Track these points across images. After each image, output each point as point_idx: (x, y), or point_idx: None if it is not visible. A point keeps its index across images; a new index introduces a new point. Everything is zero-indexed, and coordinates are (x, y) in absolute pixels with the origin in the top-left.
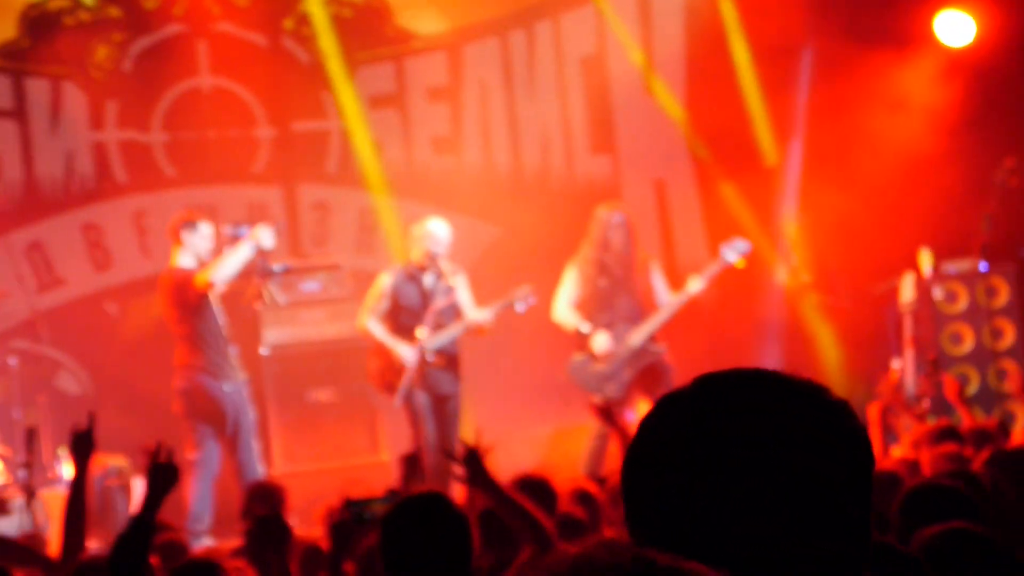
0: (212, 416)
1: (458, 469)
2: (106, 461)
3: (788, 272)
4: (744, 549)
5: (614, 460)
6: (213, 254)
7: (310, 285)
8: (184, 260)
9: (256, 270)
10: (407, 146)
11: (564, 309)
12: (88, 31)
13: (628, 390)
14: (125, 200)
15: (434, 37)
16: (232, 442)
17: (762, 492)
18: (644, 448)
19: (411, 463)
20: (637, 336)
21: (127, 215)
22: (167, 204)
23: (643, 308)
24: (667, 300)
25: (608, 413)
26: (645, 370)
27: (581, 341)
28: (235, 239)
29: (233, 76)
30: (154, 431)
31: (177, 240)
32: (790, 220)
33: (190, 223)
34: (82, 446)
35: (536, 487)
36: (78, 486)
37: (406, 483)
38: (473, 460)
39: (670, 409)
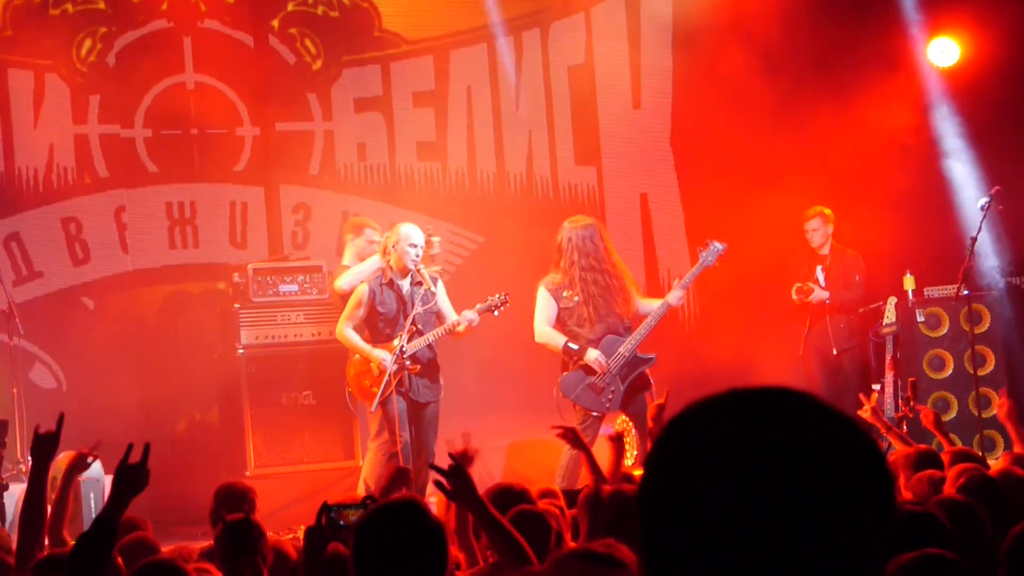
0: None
1: (443, 481)
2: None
3: (797, 290)
4: None
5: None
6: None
7: (288, 286)
8: (347, 259)
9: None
10: (391, 150)
11: (545, 330)
12: (73, 23)
13: (622, 402)
14: (106, 195)
15: (421, 41)
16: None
17: (809, 536)
18: (671, 470)
19: (399, 476)
20: (627, 346)
21: (107, 210)
22: (148, 200)
23: (626, 317)
24: (646, 307)
25: (574, 436)
26: (634, 381)
27: (569, 358)
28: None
29: (218, 74)
30: (128, 429)
31: (345, 240)
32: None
33: (358, 230)
34: (44, 447)
35: (514, 496)
36: (35, 486)
37: (386, 493)
38: (458, 474)
39: (702, 428)
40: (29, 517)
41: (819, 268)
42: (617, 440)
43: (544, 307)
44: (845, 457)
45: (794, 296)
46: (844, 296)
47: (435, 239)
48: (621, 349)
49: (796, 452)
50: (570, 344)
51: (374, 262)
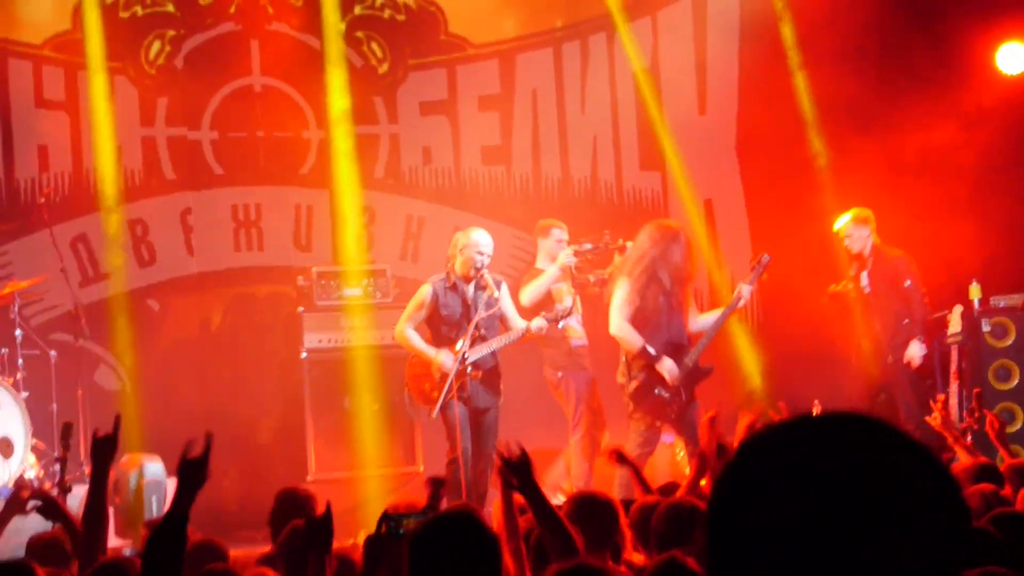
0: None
1: (506, 474)
2: (141, 459)
3: (830, 296)
4: None
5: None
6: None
7: (352, 290)
8: (539, 261)
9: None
10: (456, 154)
11: (626, 325)
12: (142, 26)
13: (684, 411)
14: (172, 197)
15: (487, 45)
16: (579, 421)
17: (882, 563)
18: (743, 495)
19: (435, 484)
20: (691, 356)
21: (173, 212)
22: (214, 202)
23: (687, 329)
24: (702, 322)
25: (622, 457)
26: (692, 392)
27: (645, 361)
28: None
29: (284, 77)
30: (190, 431)
31: (536, 243)
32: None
33: (545, 231)
34: (103, 449)
35: (597, 506)
36: (96, 489)
37: (431, 505)
38: (523, 466)
39: (773, 454)
40: (91, 520)
41: (863, 273)
42: (701, 457)
43: (626, 301)
44: (918, 485)
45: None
46: (891, 301)
47: (588, 246)
48: (685, 359)
49: (867, 480)
50: (648, 347)
51: (551, 275)
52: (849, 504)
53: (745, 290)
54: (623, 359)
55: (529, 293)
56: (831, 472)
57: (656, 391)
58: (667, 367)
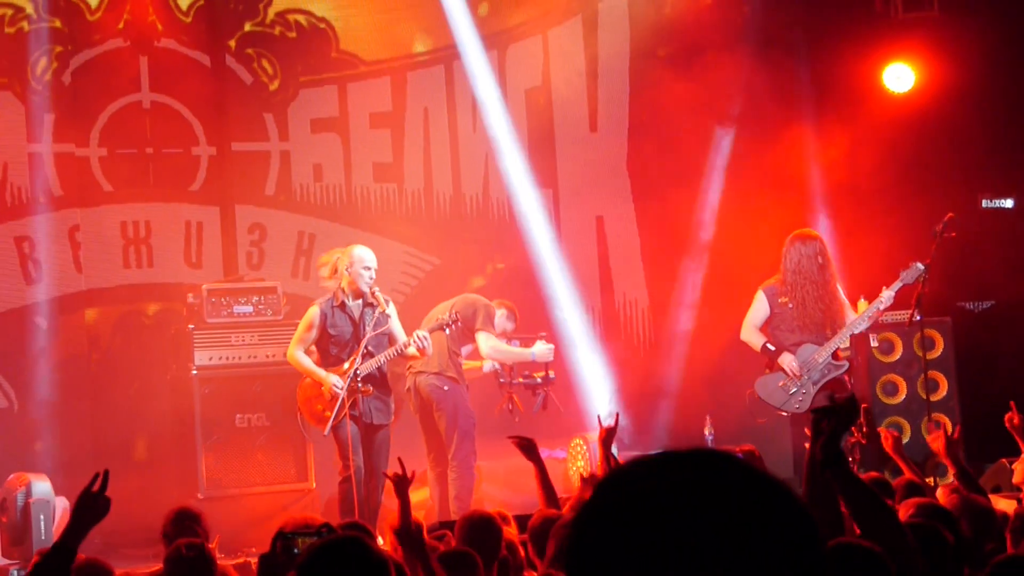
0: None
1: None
2: (29, 478)
3: None
4: None
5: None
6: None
7: (243, 307)
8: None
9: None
10: (347, 171)
11: (749, 330)
12: (29, 41)
13: (812, 404)
14: (60, 214)
15: (378, 63)
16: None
17: None
18: (598, 533)
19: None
20: (822, 353)
21: (61, 229)
22: (102, 219)
23: (830, 327)
24: (851, 318)
25: (529, 447)
26: (826, 387)
27: (770, 360)
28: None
29: (174, 93)
30: (79, 450)
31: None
32: None
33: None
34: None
35: (482, 527)
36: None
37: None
38: (406, 535)
39: (631, 493)
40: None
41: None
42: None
43: (755, 308)
44: (774, 523)
45: None
46: None
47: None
48: (817, 356)
49: (725, 518)
50: (768, 345)
51: (520, 357)
52: (702, 545)
53: (886, 295)
54: None
55: (497, 355)
56: (685, 512)
57: (780, 383)
58: (785, 361)
